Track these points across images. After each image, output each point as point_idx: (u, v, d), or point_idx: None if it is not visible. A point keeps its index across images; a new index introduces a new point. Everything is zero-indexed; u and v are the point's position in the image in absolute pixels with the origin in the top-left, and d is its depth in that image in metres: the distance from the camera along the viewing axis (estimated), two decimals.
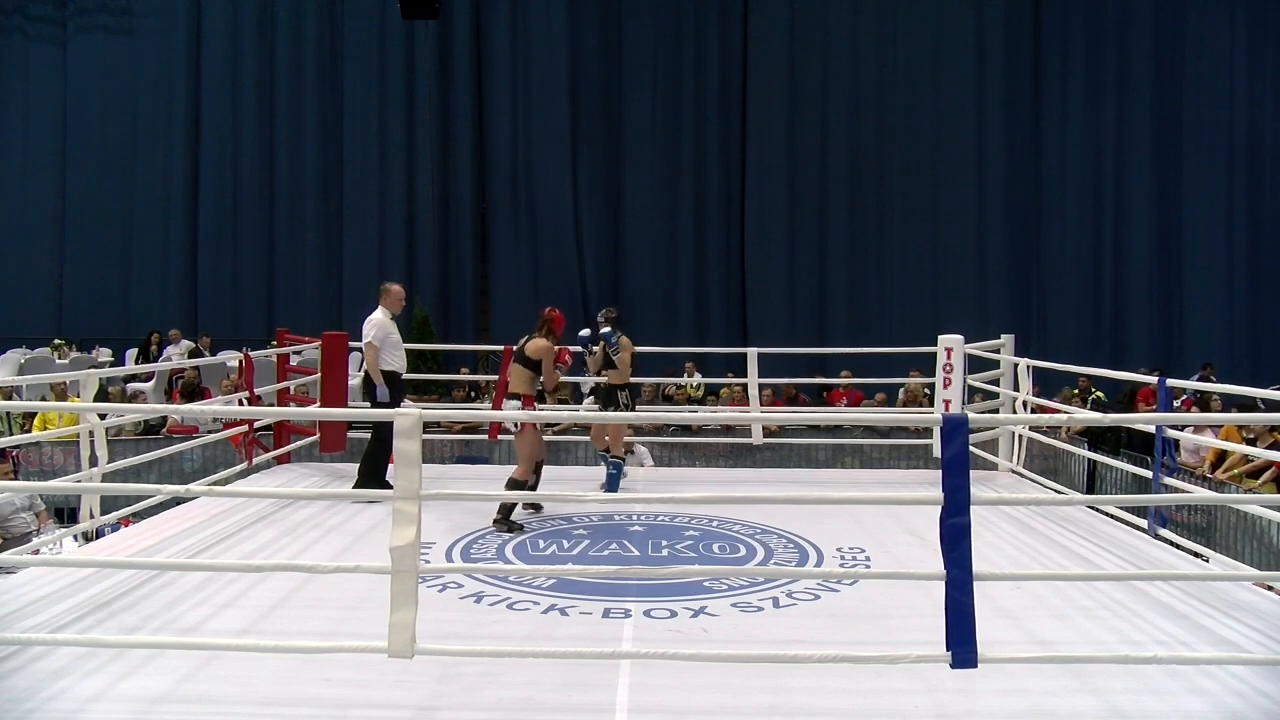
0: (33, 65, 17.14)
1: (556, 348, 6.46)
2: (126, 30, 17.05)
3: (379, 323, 7.13)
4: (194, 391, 12.06)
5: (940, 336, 7.96)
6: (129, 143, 17.07)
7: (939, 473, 3.61)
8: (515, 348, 6.60)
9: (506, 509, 6.17)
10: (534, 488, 6.54)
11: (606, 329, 7.27)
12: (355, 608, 4.63)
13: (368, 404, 7.20)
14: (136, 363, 13.92)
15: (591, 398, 8.44)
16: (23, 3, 17.11)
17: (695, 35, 16.83)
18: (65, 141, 17.12)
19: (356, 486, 6.97)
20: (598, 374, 7.76)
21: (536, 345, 6.41)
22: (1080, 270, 16.61)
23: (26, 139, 17.22)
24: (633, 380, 7.65)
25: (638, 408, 8.15)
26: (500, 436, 10.39)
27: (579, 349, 7.48)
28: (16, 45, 17.18)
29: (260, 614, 4.60)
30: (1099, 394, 12.55)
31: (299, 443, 8.50)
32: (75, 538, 6.40)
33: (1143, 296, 16.40)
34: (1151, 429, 6.34)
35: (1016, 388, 8.04)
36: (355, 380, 11.47)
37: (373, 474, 7.09)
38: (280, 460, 8.34)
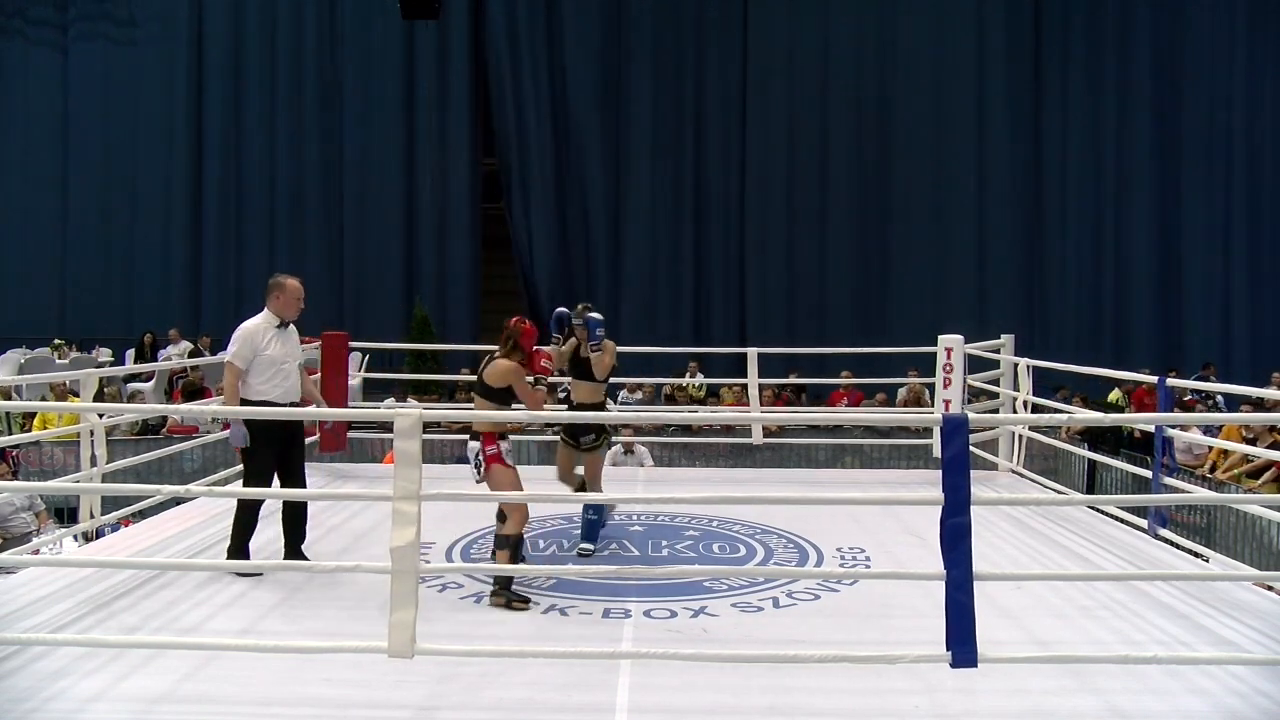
0: (33, 69, 17.18)
1: (533, 349, 5.12)
2: (129, 40, 17.09)
3: (248, 333, 5.36)
4: (196, 392, 12.06)
5: (940, 336, 7.95)
6: (130, 145, 17.10)
7: (939, 473, 3.61)
8: (478, 374, 5.13)
9: (504, 578, 4.83)
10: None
11: (595, 314, 5.67)
12: (355, 608, 4.63)
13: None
14: (135, 363, 13.92)
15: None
16: (23, 6, 17.13)
17: (695, 35, 16.83)
18: (67, 143, 17.17)
19: (230, 553, 5.29)
20: (560, 369, 5.87)
21: (499, 369, 4.97)
22: (1080, 270, 16.62)
23: (28, 141, 17.27)
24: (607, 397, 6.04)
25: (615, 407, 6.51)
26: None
27: (553, 332, 5.92)
28: (17, 48, 17.20)
29: (260, 614, 4.60)
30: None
31: None
32: (75, 538, 6.40)
33: (1143, 296, 16.40)
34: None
35: (1016, 388, 8.03)
36: (355, 380, 11.51)
37: (242, 533, 5.32)
38: None
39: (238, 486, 6.86)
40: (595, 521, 5.79)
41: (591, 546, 5.74)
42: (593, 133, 16.85)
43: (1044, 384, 11.75)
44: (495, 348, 5.15)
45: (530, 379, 5.04)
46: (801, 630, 4.49)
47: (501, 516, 5.16)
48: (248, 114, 17.16)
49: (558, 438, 5.96)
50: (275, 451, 5.38)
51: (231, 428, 5.30)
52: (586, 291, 16.47)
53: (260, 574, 5.12)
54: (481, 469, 4.95)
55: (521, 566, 5.30)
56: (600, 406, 5.90)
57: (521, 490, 4.95)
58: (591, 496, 5.74)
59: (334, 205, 17.10)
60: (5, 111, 17.29)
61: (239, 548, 5.28)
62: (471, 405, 5.21)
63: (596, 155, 16.86)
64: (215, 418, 9.52)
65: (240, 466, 7.20)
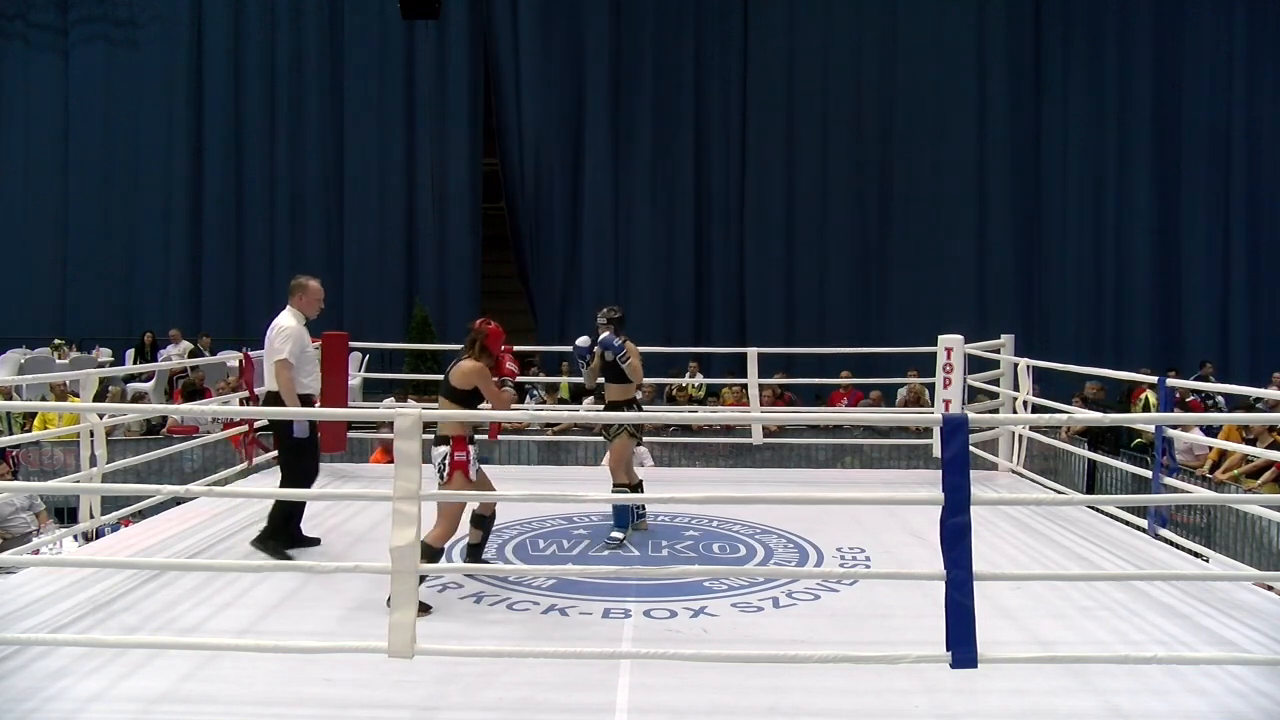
0: (34, 71, 17.18)
1: (499, 352, 5.04)
2: (129, 41, 17.07)
3: (295, 332, 5.65)
4: (196, 392, 12.06)
5: (940, 336, 7.96)
6: (131, 146, 17.11)
7: (939, 473, 3.62)
8: (444, 374, 5.06)
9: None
10: (481, 546, 5.19)
11: (606, 334, 5.98)
12: (355, 608, 4.63)
13: (281, 438, 5.74)
14: (135, 363, 13.92)
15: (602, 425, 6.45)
16: (24, 10, 17.14)
17: (695, 35, 16.83)
18: (68, 144, 17.17)
19: (262, 540, 5.58)
20: (593, 388, 6.42)
21: (463, 370, 4.87)
22: (1080, 270, 16.61)
23: (28, 142, 17.27)
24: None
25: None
26: (500, 436, 10.39)
27: (578, 359, 6.21)
28: (18, 51, 17.21)
29: (260, 614, 4.60)
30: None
31: None
32: (75, 538, 6.40)
33: (1143, 296, 16.39)
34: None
35: (1016, 388, 8.04)
36: (355, 380, 11.51)
37: (284, 526, 5.65)
38: None
39: (238, 486, 6.95)
40: (622, 510, 6.00)
41: (622, 535, 5.93)
42: (593, 132, 16.83)
43: (1066, 385, 11.74)
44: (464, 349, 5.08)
45: (496, 380, 4.98)
46: (801, 630, 4.49)
47: (477, 520, 5.15)
48: (248, 114, 17.15)
49: (600, 437, 6.45)
50: None
51: (295, 424, 5.54)
52: (587, 292, 16.49)
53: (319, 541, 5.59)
54: (445, 473, 4.82)
55: (520, 566, 5.31)
56: (629, 402, 6.19)
57: (462, 511, 4.96)
58: (602, 496, 5.89)
59: (334, 205, 17.09)
60: (6, 113, 17.29)
61: (279, 533, 5.57)
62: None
63: (597, 155, 16.84)
64: (215, 418, 9.55)
65: (239, 465, 7.31)
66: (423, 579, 4.65)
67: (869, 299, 16.68)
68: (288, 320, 5.68)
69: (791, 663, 3.79)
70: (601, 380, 6.20)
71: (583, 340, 6.12)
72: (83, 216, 17.12)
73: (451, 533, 4.88)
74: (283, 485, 5.72)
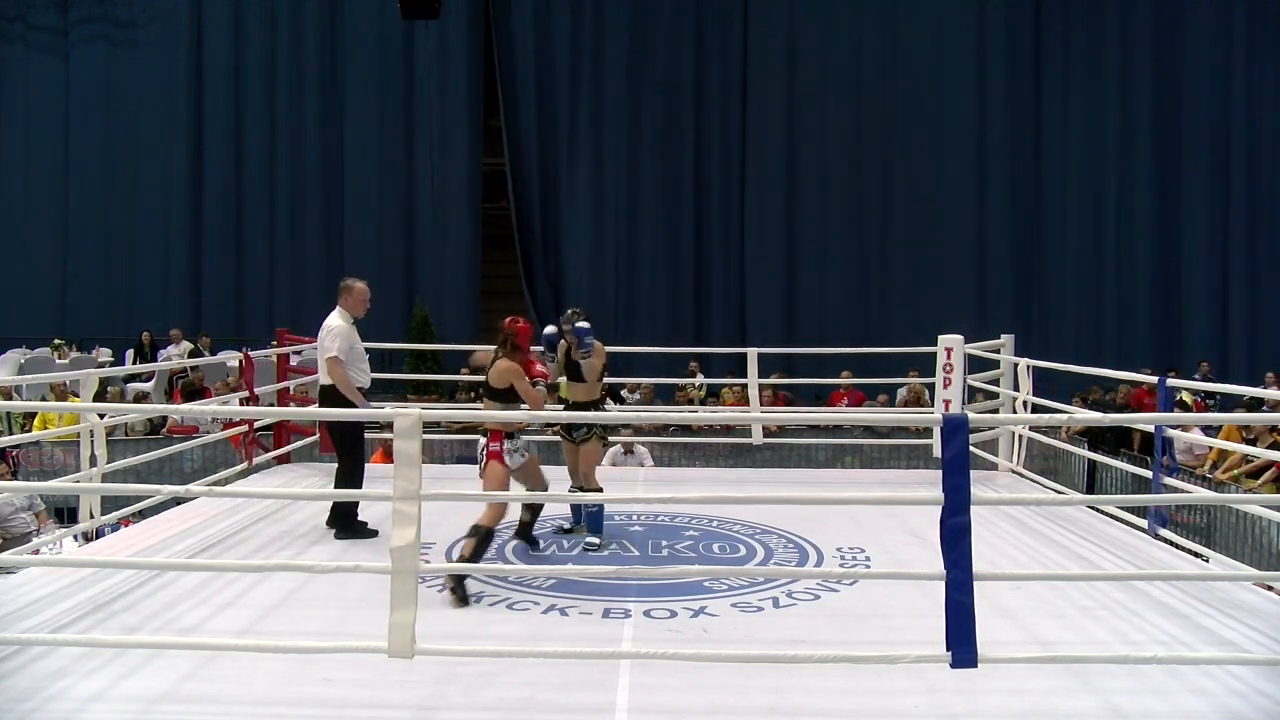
0: (35, 73, 17.17)
1: (528, 357, 5.27)
2: (129, 41, 17.06)
3: (343, 331, 6.02)
4: (195, 392, 12.05)
5: (940, 336, 7.96)
6: (131, 146, 17.08)
7: (939, 473, 3.62)
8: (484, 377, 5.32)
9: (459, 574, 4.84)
10: (531, 526, 5.68)
11: (584, 323, 5.82)
12: (355, 608, 4.63)
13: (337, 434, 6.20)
14: (135, 363, 13.92)
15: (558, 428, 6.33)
16: (24, 11, 17.13)
17: (695, 35, 16.83)
18: (68, 145, 17.13)
19: (339, 531, 6.01)
20: (553, 386, 6.12)
21: (498, 370, 5.17)
22: (1080, 270, 16.61)
23: (28, 142, 17.24)
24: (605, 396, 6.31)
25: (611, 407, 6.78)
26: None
27: (543, 349, 6.04)
28: (19, 53, 17.21)
29: (260, 614, 4.60)
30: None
31: (299, 443, 8.49)
32: (75, 538, 6.40)
33: (1143, 296, 16.40)
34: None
35: (1016, 388, 8.03)
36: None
37: (350, 513, 6.06)
38: (280, 460, 8.33)
39: (238, 486, 6.96)
40: (596, 515, 5.91)
41: (598, 540, 5.85)
42: (593, 133, 16.83)
43: (1066, 385, 11.69)
44: (494, 348, 5.34)
45: (529, 380, 5.23)
46: (801, 630, 4.49)
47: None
48: (248, 114, 17.13)
49: (559, 437, 6.30)
50: None
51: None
52: (588, 293, 16.48)
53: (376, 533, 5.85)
54: (482, 463, 5.21)
55: (520, 566, 5.32)
56: (596, 404, 6.12)
57: (508, 490, 5.21)
58: (588, 497, 5.84)
59: (334, 205, 17.07)
60: (6, 113, 17.27)
61: (350, 520, 5.95)
62: (480, 405, 5.46)
63: (597, 154, 16.84)
64: (215, 418, 9.54)
65: (239, 466, 7.33)
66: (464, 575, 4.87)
67: (869, 299, 16.67)
68: (336, 320, 6.04)
69: (791, 663, 3.79)
70: (563, 380, 6.04)
71: (550, 329, 6.01)
72: (83, 216, 17.10)
73: (501, 515, 5.12)
74: (339, 482, 6.09)
